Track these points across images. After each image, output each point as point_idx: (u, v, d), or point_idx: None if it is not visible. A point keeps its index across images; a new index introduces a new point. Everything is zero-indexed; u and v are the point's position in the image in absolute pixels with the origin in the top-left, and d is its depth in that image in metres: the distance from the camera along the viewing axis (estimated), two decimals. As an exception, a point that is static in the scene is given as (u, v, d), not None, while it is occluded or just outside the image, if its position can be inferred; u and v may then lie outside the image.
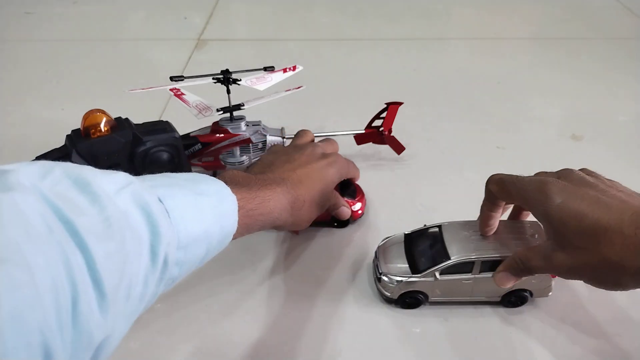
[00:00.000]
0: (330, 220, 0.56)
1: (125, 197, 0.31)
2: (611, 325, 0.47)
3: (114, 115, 0.54)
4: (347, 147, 0.67)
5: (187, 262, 0.36)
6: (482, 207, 0.46)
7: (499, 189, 0.43)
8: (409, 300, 0.47)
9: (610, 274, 0.35)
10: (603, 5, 1.16)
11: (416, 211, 0.59)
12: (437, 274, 0.45)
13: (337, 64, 0.94)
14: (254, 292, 0.50)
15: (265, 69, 0.58)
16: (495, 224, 0.46)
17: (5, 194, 0.25)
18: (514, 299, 0.47)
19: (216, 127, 0.61)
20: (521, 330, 0.46)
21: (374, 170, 0.66)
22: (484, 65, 0.93)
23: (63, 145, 0.52)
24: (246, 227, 0.41)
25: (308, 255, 0.54)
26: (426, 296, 0.47)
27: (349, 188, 0.58)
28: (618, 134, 0.74)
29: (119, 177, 0.32)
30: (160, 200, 0.34)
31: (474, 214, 0.47)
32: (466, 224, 0.48)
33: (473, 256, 0.44)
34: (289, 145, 0.56)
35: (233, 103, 0.59)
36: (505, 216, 0.48)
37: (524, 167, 0.68)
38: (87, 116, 0.51)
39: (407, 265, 0.47)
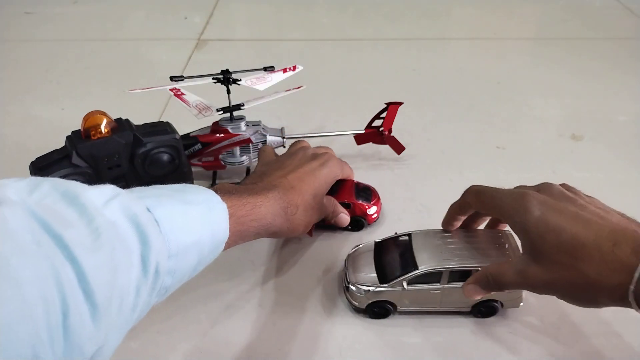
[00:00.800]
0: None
1: (114, 208, 0.31)
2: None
3: (114, 116, 0.54)
4: (347, 147, 0.67)
5: (179, 271, 0.35)
6: (452, 206, 0.46)
7: (477, 200, 0.43)
8: (378, 310, 0.47)
9: (586, 291, 0.35)
10: (603, 5, 1.16)
11: (416, 211, 0.60)
12: (404, 284, 0.45)
13: (337, 64, 0.94)
14: (254, 293, 0.50)
15: (265, 69, 0.58)
16: (457, 225, 0.47)
17: None
18: (484, 310, 0.47)
19: (216, 127, 0.61)
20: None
21: (374, 170, 0.66)
22: (484, 65, 0.93)
23: (63, 147, 0.52)
24: (239, 234, 0.41)
25: (308, 257, 0.54)
26: (395, 306, 0.46)
27: (364, 192, 0.57)
28: (618, 134, 0.74)
29: (107, 189, 0.32)
30: (149, 210, 0.34)
31: (473, 214, 0.47)
32: (437, 233, 0.47)
33: (441, 266, 0.44)
34: (282, 154, 0.55)
35: (233, 103, 0.59)
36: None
37: (524, 167, 0.68)
38: (87, 117, 0.51)
39: (376, 275, 0.46)
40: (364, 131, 0.65)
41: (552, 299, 0.40)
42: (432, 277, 0.44)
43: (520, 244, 0.41)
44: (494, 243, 0.45)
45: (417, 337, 0.46)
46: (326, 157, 0.52)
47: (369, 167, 0.66)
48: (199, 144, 0.60)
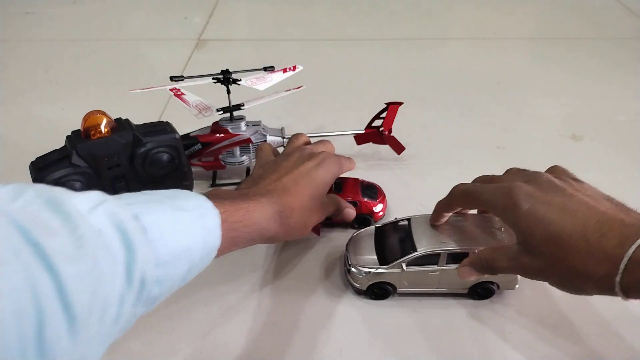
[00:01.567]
0: (351, 221, 0.56)
1: (99, 215, 0.30)
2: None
3: (114, 116, 0.54)
4: (347, 147, 0.67)
5: (168, 279, 0.34)
6: (439, 205, 0.47)
7: (465, 200, 0.44)
8: (378, 291, 0.48)
9: (574, 280, 0.36)
10: (603, 5, 1.16)
11: (416, 211, 0.59)
12: (403, 266, 0.46)
13: (337, 64, 0.94)
14: (254, 293, 0.50)
15: (265, 69, 0.58)
16: (444, 220, 0.48)
17: None
18: (481, 291, 0.48)
19: (216, 127, 0.61)
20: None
21: (374, 170, 0.66)
22: (484, 65, 0.93)
23: (63, 147, 0.52)
24: (232, 240, 0.40)
25: (310, 257, 0.54)
26: (394, 287, 0.48)
27: (370, 189, 0.58)
28: (618, 134, 0.74)
29: (93, 196, 0.31)
30: (138, 217, 0.33)
31: (474, 214, 0.47)
32: None
33: (439, 248, 0.45)
34: (279, 154, 0.54)
35: (233, 103, 0.59)
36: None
37: (524, 167, 0.68)
38: (87, 117, 0.51)
39: (376, 257, 0.48)
40: (364, 131, 0.65)
41: (552, 298, 0.40)
42: (430, 259, 0.46)
43: None
44: (491, 226, 0.47)
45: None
46: (322, 155, 0.51)
47: (369, 167, 0.66)
48: (199, 144, 0.60)
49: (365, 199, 0.56)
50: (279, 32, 1.08)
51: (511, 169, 0.45)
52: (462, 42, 1.03)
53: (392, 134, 0.65)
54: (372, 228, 0.51)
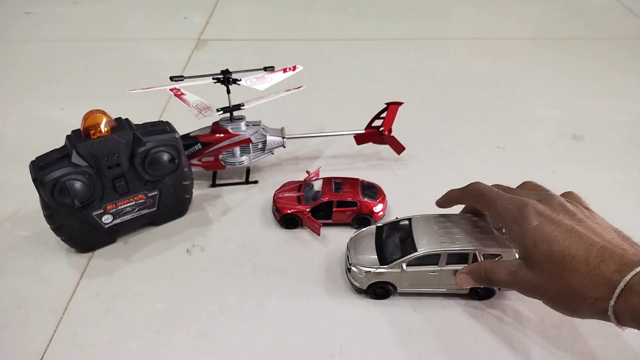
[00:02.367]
0: (351, 221, 0.57)
1: None
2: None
3: (114, 116, 0.54)
4: (347, 147, 0.67)
5: None
6: (451, 192, 0.48)
7: (477, 200, 0.45)
8: (378, 290, 0.49)
9: (569, 300, 0.37)
10: (603, 5, 1.16)
11: (416, 211, 0.59)
12: (404, 266, 0.46)
13: (337, 64, 0.94)
14: (254, 293, 0.50)
15: (265, 69, 0.58)
16: (449, 207, 0.49)
17: None
18: (482, 291, 0.48)
19: (216, 127, 0.61)
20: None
21: (374, 170, 0.66)
22: (484, 65, 0.93)
23: (63, 146, 0.52)
24: None
25: (309, 255, 0.54)
26: (395, 287, 0.48)
27: (370, 189, 0.58)
28: (618, 134, 0.74)
29: None
30: None
31: (474, 214, 0.47)
32: (436, 217, 0.49)
33: (439, 248, 0.45)
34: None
35: (233, 103, 0.59)
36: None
37: (524, 167, 0.68)
38: (87, 117, 0.51)
39: (376, 257, 0.48)
40: (364, 131, 0.65)
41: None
42: (430, 259, 0.46)
43: None
44: (491, 228, 0.47)
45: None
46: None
47: (369, 167, 0.66)
48: (199, 144, 0.60)
49: (366, 199, 0.56)
50: (279, 32, 1.08)
51: (528, 182, 0.45)
52: (462, 42, 1.03)
53: (392, 134, 0.65)
54: (372, 227, 0.51)
